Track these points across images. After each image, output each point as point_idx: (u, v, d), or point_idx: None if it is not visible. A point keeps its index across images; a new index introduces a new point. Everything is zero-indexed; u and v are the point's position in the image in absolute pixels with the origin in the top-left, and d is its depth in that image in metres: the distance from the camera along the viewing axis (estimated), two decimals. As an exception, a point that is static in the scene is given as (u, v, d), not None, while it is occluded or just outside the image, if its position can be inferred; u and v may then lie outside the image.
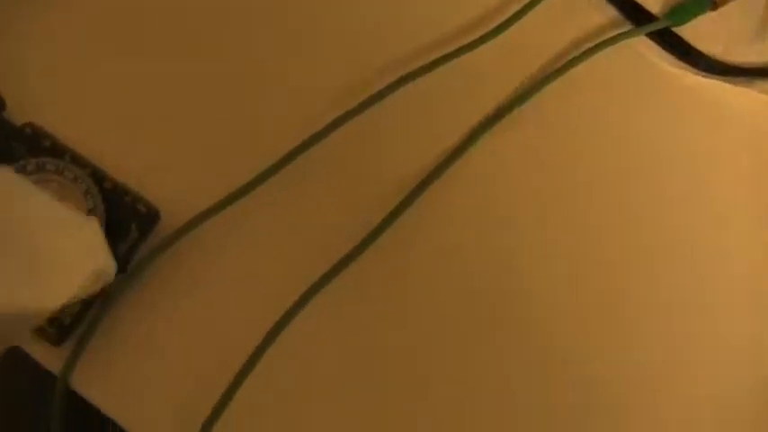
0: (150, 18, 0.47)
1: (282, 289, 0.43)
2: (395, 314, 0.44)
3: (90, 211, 0.42)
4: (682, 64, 0.50)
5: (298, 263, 0.43)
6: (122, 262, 0.42)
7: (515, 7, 0.48)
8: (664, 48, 0.50)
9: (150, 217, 0.43)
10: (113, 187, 0.43)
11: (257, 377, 0.41)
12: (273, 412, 0.43)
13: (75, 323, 0.41)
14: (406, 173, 0.45)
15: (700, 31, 0.49)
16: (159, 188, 0.43)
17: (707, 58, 0.49)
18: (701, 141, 0.49)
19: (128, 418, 0.42)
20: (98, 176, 0.43)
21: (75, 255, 0.35)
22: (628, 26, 0.50)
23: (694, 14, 0.49)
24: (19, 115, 0.45)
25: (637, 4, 0.49)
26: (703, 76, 0.50)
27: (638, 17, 0.49)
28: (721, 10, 0.49)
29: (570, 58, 0.48)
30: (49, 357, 0.42)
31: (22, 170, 0.42)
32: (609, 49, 0.48)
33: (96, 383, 0.42)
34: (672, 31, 0.49)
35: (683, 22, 0.49)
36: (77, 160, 0.44)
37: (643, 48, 0.49)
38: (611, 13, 0.50)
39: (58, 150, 0.44)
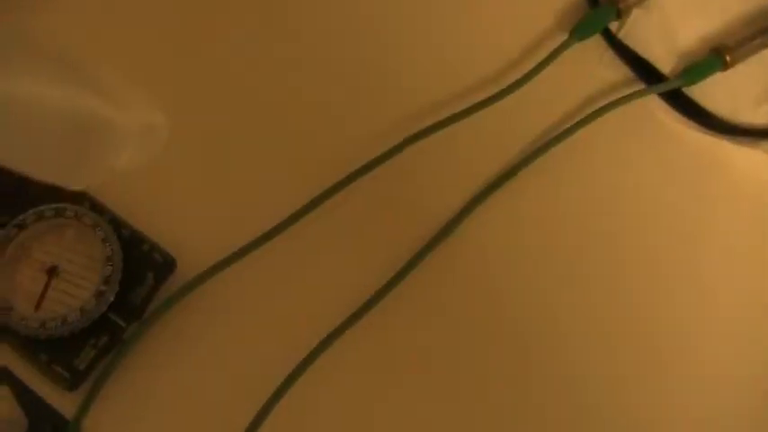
0: (168, 70, 0.48)
1: (297, 341, 0.43)
2: (418, 362, 0.45)
3: (108, 259, 0.42)
4: (691, 123, 0.51)
5: (314, 314, 0.44)
6: (138, 310, 0.43)
7: (528, 65, 0.49)
8: (674, 107, 0.50)
9: (167, 266, 0.43)
10: (131, 235, 0.44)
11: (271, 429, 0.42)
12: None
13: (89, 369, 0.42)
14: (416, 230, 0.46)
15: (709, 92, 0.50)
16: (175, 236, 0.44)
17: (716, 119, 0.50)
18: (708, 199, 0.50)
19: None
20: (116, 224, 0.44)
21: None
22: (639, 85, 0.50)
23: (706, 74, 0.50)
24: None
25: (649, 63, 0.50)
26: (712, 135, 0.51)
27: (650, 76, 0.50)
28: (731, 71, 0.50)
29: (582, 116, 0.49)
30: (62, 402, 0.42)
31: (41, 215, 0.43)
32: (620, 108, 0.49)
33: (109, 429, 0.42)
34: (682, 91, 0.50)
35: (694, 81, 0.50)
36: (96, 207, 0.44)
37: (653, 106, 0.50)
38: (623, 71, 0.51)
39: (77, 196, 0.45)
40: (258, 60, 0.49)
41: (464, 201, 0.47)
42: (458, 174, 0.47)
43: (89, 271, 0.43)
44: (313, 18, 0.50)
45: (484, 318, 0.46)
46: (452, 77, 0.49)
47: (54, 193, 0.43)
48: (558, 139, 0.48)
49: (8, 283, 0.42)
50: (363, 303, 0.44)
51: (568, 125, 0.48)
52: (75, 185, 0.33)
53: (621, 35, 0.50)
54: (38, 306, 0.42)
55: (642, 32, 0.50)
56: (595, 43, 0.51)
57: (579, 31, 0.49)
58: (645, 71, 0.51)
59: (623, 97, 0.49)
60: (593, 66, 0.50)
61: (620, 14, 0.50)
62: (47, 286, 0.42)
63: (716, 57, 0.49)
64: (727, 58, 0.49)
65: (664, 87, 0.50)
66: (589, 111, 0.49)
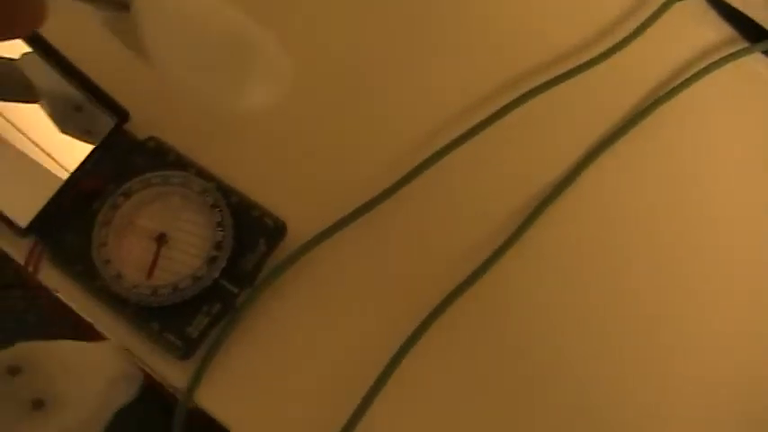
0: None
1: (410, 304, 0.42)
2: (517, 331, 0.43)
3: (218, 224, 0.41)
4: (797, 81, 0.49)
5: (427, 279, 0.43)
6: (250, 276, 0.42)
7: (631, 26, 0.48)
8: (779, 65, 0.49)
9: (278, 231, 0.43)
10: (240, 201, 0.43)
11: (386, 397, 0.40)
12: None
13: (202, 336, 0.41)
14: (527, 188, 0.45)
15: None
16: (283, 202, 0.43)
17: (823, 76, 0.49)
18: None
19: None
20: (224, 190, 0.43)
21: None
22: (743, 43, 0.49)
23: (810, 31, 0.48)
24: (141, 129, 0.45)
25: (753, 21, 0.49)
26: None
27: (753, 34, 0.49)
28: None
29: (687, 76, 0.47)
30: (174, 372, 0.41)
31: (147, 182, 0.43)
32: (724, 66, 0.48)
33: (222, 398, 0.41)
34: (787, 48, 0.49)
35: (798, 38, 0.49)
36: (203, 174, 0.43)
37: (757, 64, 0.49)
38: (726, 30, 0.49)
39: (182, 164, 0.44)
40: (368, 30, 0.48)
41: (575, 159, 0.46)
42: (566, 133, 0.46)
43: (198, 238, 0.42)
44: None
45: (597, 267, 0.45)
46: (553, 42, 0.48)
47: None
48: (664, 99, 0.47)
49: (116, 251, 0.42)
50: (479, 266, 0.43)
51: (673, 85, 0.47)
52: (225, 109, 0.32)
53: (722, -7, 0.49)
54: (150, 274, 0.41)
55: (743, -10, 0.49)
56: (696, 2, 0.50)
57: (680, -10, 0.48)
58: (747, 29, 0.49)
59: (727, 56, 0.48)
60: (696, 25, 0.49)
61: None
62: (157, 254, 0.42)
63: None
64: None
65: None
66: (693, 70, 0.48)
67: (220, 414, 0.41)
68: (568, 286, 0.44)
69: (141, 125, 0.45)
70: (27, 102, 0.43)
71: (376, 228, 0.43)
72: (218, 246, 0.41)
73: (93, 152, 0.43)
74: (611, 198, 0.46)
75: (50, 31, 0.37)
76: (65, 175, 0.42)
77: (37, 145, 0.42)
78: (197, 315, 0.41)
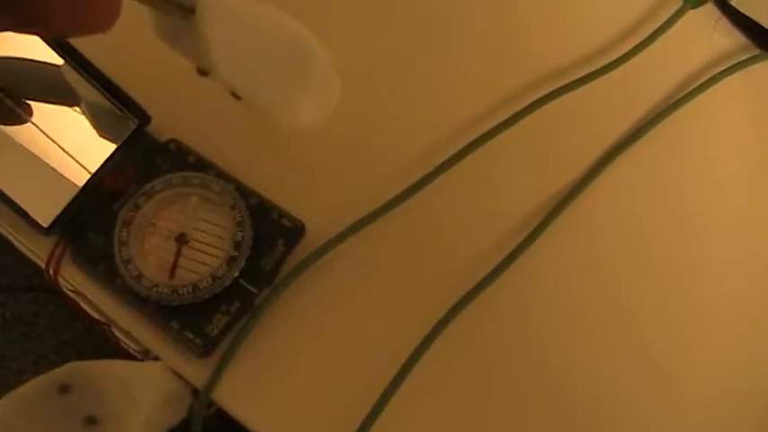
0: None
1: (427, 305, 0.42)
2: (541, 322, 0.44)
3: (238, 224, 0.42)
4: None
5: (440, 280, 0.43)
6: (269, 276, 0.42)
7: (644, 33, 0.49)
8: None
9: (296, 231, 0.43)
10: (259, 202, 0.44)
11: (403, 396, 0.41)
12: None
13: (221, 335, 0.41)
14: (542, 193, 0.46)
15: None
16: (302, 204, 0.44)
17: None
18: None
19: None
20: (243, 192, 0.44)
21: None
22: (754, 51, 0.50)
23: (821, 40, 0.49)
24: (162, 131, 0.45)
25: (763, 29, 0.50)
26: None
27: (764, 42, 0.50)
28: None
29: (699, 83, 0.48)
30: (193, 370, 0.41)
31: (168, 183, 0.43)
32: (736, 73, 0.49)
33: (240, 397, 0.42)
34: (798, 56, 0.49)
35: (809, 46, 0.49)
36: (222, 175, 0.44)
37: (769, 72, 0.50)
38: (738, 37, 0.50)
39: (202, 166, 0.45)
40: (387, 35, 0.49)
41: (589, 164, 0.46)
42: (580, 139, 0.47)
43: (218, 238, 0.43)
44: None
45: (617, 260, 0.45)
46: (566, 49, 0.49)
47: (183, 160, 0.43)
48: (676, 105, 0.48)
49: (137, 251, 0.42)
50: (494, 268, 0.43)
51: (686, 92, 0.48)
52: (285, 121, 0.33)
53: (735, 1, 0.50)
54: (172, 274, 0.42)
55: (755, -2, 0.50)
56: (709, 10, 0.50)
57: (693, -2, 0.49)
58: (759, 36, 0.50)
59: (739, 63, 0.49)
60: (708, 33, 0.50)
61: (732, -19, 0.50)
62: (178, 254, 0.42)
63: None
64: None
65: (781, 52, 0.49)
66: (705, 77, 0.48)
67: (238, 412, 0.41)
68: (583, 291, 0.44)
69: (162, 127, 0.45)
70: (66, 105, 0.43)
71: (393, 230, 0.44)
72: (237, 246, 0.42)
73: (114, 153, 0.44)
74: (625, 203, 0.46)
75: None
76: (87, 176, 0.43)
77: (59, 145, 0.43)
78: (216, 314, 0.41)
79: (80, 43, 0.41)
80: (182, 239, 0.43)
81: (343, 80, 0.48)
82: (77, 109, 0.44)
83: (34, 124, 0.42)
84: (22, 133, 0.42)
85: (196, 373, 0.42)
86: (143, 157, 0.44)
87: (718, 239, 0.46)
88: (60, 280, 0.43)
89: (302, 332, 0.42)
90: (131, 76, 0.43)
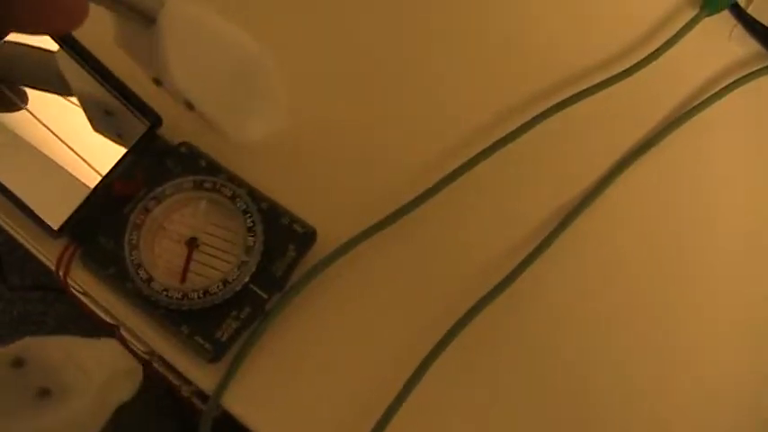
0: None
1: (438, 311, 0.42)
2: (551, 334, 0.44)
3: (249, 230, 0.42)
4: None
5: (452, 286, 0.43)
6: (280, 281, 0.42)
7: (659, 40, 0.48)
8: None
9: (307, 237, 0.43)
10: (270, 207, 0.43)
11: (414, 403, 0.41)
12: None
13: (231, 341, 0.41)
14: (557, 198, 0.45)
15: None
16: (313, 209, 0.43)
17: None
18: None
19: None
20: (254, 196, 0.43)
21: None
22: (770, 59, 0.50)
23: (838, 49, 0.49)
24: (174, 134, 0.45)
25: (780, 37, 0.49)
26: None
27: (781, 51, 0.49)
28: None
29: (714, 91, 0.48)
30: (202, 375, 0.41)
31: (179, 187, 0.43)
32: (752, 81, 0.48)
33: (249, 402, 0.41)
34: (815, 66, 0.49)
35: (826, 56, 0.49)
36: (234, 180, 0.44)
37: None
38: (753, 45, 0.50)
39: (213, 169, 0.44)
40: (399, 41, 0.49)
41: (603, 171, 0.46)
42: (594, 146, 0.47)
43: (229, 243, 0.42)
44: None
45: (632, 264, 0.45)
46: (584, 54, 0.48)
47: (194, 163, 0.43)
48: (692, 113, 0.47)
49: (148, 255, 0.42)
50: (507, 275, 0.43)
51: (701, 100, 0.48)
52: (233, 134, 0.33)
53: (751, 9, 0.50)
54: (183, 278, 0.41)
55: (772, 7, 0.50)
56: (725, 18, 0.50)
57: (709, 6, 0.49)
58: (776, 45, 0.50)
59: (755, 71, 0.48)
60: (723, 40, 0.49)
61: (748, -11, 0.49)
62: (189, 258, 0.42)
63: None
64: None
65: (797, 61, 0.49)
66: (721, 85, 0.48)
67: (247, 418, 0.41)
68: (600, 297, 0.44)
69: (174, 130, 0.45)
70: (59, 94, 0.43)
71: (404, 236, 0.44)
72: (248, 251, 0.41)
73: (125, 156, 0.44)
74: (640, 209, 0.46)
75: (85, 34, 0.37)
76: (97, 179, 0.43)
77: (70, 148, 0.43)
78: (226, 319, 0.41)
79: (94, 46, 0.40)
80: (192, 244, 0.42)
81: (357, 85, 0.48)
82: (87, 111, 0.43)
83: (45, 126, 0.42)
84: (32, 135, 0.42)
85: (206, 377, 0.41)
86: (154, 160, 0.44)
87: (734, 244, 0.46)
88: (70, 281, 0.43)
89: (312, 338, 0.42)
90: (143, 78, 0.43)
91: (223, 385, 0.41)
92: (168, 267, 0.42)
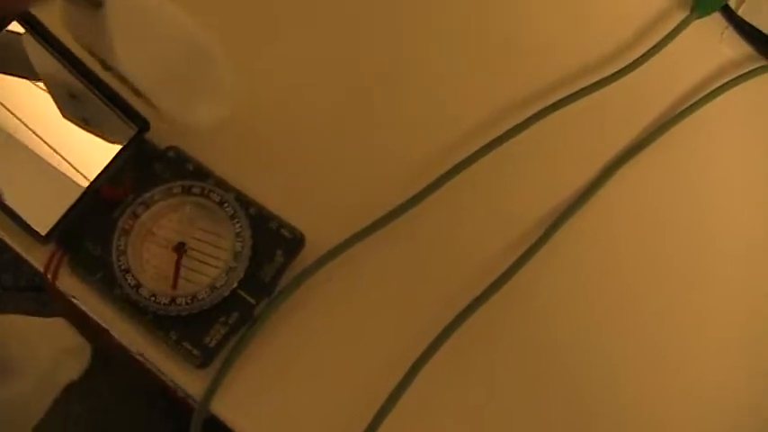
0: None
1: (427, 315, 0.42)
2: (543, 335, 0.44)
3: (237, 235, 0.42)
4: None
5: (441, 290, 0.43)
6: (268, 286, 0.42)
7: (650, 42, 0.48)
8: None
9: (296, 242, 0.43)
10: (258, 212, 0.43)
11: (404, 408, 0.41)
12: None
13: (219, 346, 0.41)
14: (548, 200, 0.45)
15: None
16: (302, 214, 0.43)
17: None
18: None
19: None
20: (242, 201, 0.43)
21: None
22: (761, 61, 0.49)
23: (828, 51, 0.49)
24: (161, 139, 0.45)
25: (770, 39, 0.49)
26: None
27: (771, 52, 0.49)
28: None
29: (705, 93, 0.48)
30: (191, 381, 0.41)
31: (168, 192, 0.43)
32: (742, 84, 0.48)
33: (238, 407, 0.41)
34: (805, 67, 0.49)
35: (817, 57, 0.49)
36: (222, 185, 0.44)
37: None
38: (744, 48, 0.50)
39: (201, 174, 0.44)
40: (389, 44, 0.49)
41: (594, 173, 0.46)
42: (585, 148, 0.47)
43: (216, 248, 0.42)
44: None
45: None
46: (575, 56, 0.48)
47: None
48: (683, 114, 0.47)
49: (136, 260, 0.42)
50: (497, 278, 0.43)
51: (691, 102, 0.47)
52: (180, 119, 0.33)
53: (742, 11, 0.49)
54: (174, 285, 0.41)
55: (762, 8, 0.49)
56: (715, 20, 0.50)
57: (700, 8, 0.49)
58: (766, 47, 0.49)
59: (745, 73, 0.48)
60: (714, 43, 0.49)
61: (738, -9, 0.49)
62: (178, 264, 0.42)
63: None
64: None
65: (788, 63, 0.49)
66: (711, 87, 0.48)
67: (236, 423, 0.41)
68: (593, 296, 0.44)
69: (161, 134, 0.45)
70: (25, 78, 0.43)
71: (395, 238, 0.44)
72: (236, 256, 0.41)
73: (113, 161, 0.43)
74: (632, 209, 0.46)
75: (71, 38, 0.37)
76: (85, 183, 0.43)
77: (58, 153, 0.43)
78: (215, 325, 0.41)
79: (82, 52, 0.40)
80: (180, 249, 0.42)
81: (348, 86, 0.48)
82: (74, 118, 0.43)
83: (33, 131, 0.42)
84: (20, 141, 0.41)
85: (194, 383, 0.41)
86: (142, 165, 0.44)
87: (727, 244, 0.46)
88: (58, 286, 0.43)
89: (301, 343, 0.42)
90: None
91: (212, 391, 0.41)
92: (156, 273, 0.42)
